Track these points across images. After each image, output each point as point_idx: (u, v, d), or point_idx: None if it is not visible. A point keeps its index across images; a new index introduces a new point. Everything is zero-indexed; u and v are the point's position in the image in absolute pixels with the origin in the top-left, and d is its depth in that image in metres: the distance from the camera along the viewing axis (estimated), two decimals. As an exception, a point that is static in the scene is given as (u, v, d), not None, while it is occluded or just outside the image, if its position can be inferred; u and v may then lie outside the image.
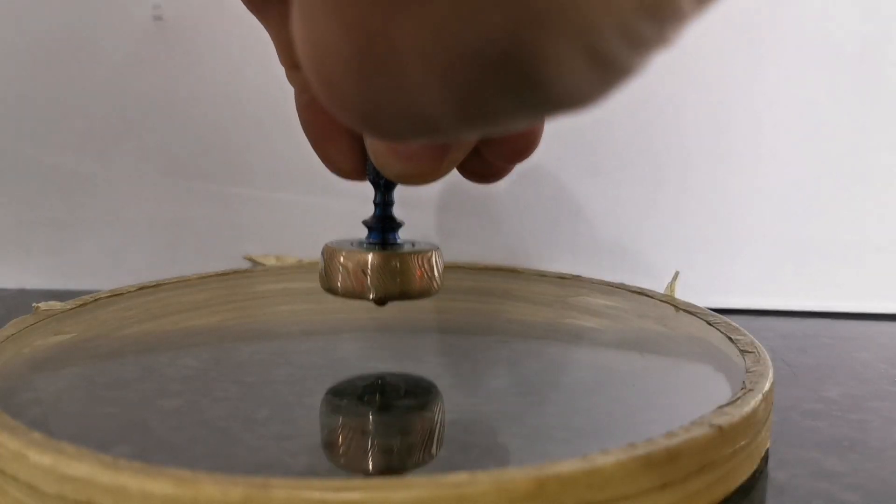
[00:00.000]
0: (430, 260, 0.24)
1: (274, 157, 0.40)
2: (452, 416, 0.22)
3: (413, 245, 0.25)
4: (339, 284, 0.24)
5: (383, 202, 0.25)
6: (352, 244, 0.25)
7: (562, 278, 0.35)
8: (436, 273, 0.24)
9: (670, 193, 0.39)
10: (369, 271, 0.23)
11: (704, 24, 0.41)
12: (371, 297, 0.24)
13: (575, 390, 0.24)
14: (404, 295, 0.24)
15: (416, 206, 0.40)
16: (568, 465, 0.16)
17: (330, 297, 0.24)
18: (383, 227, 0.25)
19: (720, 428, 0.18)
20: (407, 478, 0.16)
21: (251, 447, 0.20)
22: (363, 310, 0.28)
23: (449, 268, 0.37)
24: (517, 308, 0.32)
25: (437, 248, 0.25)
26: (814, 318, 0.38)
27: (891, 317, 0.38)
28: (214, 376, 0.25)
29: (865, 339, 0.34)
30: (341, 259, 0.24)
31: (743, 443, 0.19)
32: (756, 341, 0.25)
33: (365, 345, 0.28)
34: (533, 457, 0.19)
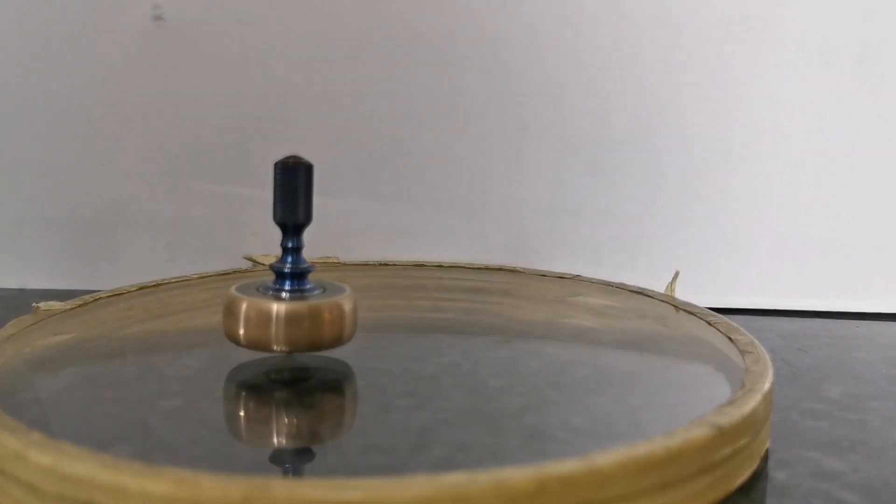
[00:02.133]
0: (340, 306, 0.23)
1: (274, 157, 0.40)
2: (452, 416, 0.22)
3: (324, 290, 0.24)
4: (240, 334, 0.23)
5: (293, 246, 0.24)
6: (258, 289, 0.23)
7: (562, 278, 0.35)
8: (346, 320, 0.23)
9: (670, 193, 0.39)
10: (274, 321, 0.22)
11: (705, 24, 0.41)
12: (276, 348, 0.22)
13: (575, 390, 0.24)
14: (314, 346, 0.23)
15: (416, 206, 0.40)
16: (568, 465, 0.16)
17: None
18: (291, 272, 0.23)
19: (720, 428, 0.18)
20: (407, 478, 0.16)
21: (251, 447, 0.20)
22: (363, 310, 0.28)
23: (449, 268, 0.38)
24: (517, 308, 0.32)
25: (348, 293, 0.24)
26: (814, 318, 0.38)
27: (891, 317, 0.38)
28: (214, 376, 0.25)
29: (865, 339, 0.34)
30: (244, 307, 0.22)
31: (743, 443, 0.19)
32: (756, 341, 0.25)
33: (364, 345, 0.28)
34: (533, 457, 0.19)
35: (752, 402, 0.20)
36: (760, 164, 0.39)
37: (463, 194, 0.40)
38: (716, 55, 0.38)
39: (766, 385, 0.21)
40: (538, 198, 0.40)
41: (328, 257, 0.38)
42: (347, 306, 0.23)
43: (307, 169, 0.23)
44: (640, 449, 0.17)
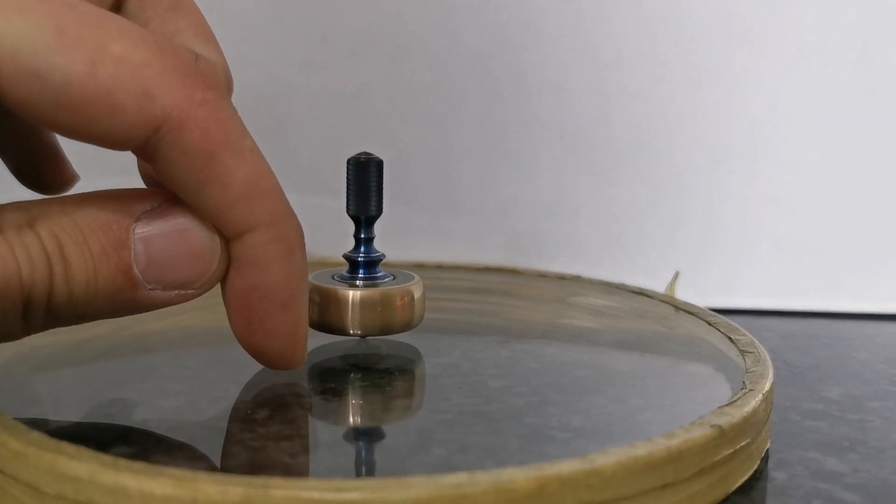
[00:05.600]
0: (410, 293, 0.25)
1: (273, 157, 0.40)
2: (452, 416, 0.22)
3: (394, 278, 0.26)
4: (319, 319, 0.24)
5: (365, 237, 0.25)
6: (333, 278, 0.25)
7: (562, 278, 0.35)
8: (416, 306, 0.25)
9: (670, 193, 0.39)
10: (350, 307, 0.24)
11: (705, 24, 0.41)
12: (352, 332, 0.24)
13: (575, 390, 0.24)
14: (386, 330, 0.25)
15: (416, 206, 0.40)
16: (568, 465, 0.16)
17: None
18: (365, 261, 0.25)
19: (720, 428, 0.18)
20: (406, 478, 0.16)
21: (251, 447, 0.20)
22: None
23: (449, 268, 0.38)
24: (517, 308, 0.32)
25: (417, 280, 0.25)
26: (814, 318, 0.38)
27: (891, 317, 0.38)
28: (214, 376, 0.25)
29: (865, 339, 0.34)
30: (323, 295, 0.24)
31: (743, 443, 0.19)
32: (756, 341, 0.25)
33: (364, 344, 0.28)
34: (533, 457, 0.19)
35: (752, 403, 0.20)
36: (760, 164, 0.39)
37: (463, 194, 0.40)
38: (716, 55, 0.38)
39: (767, 385, 0.21)
40: (538, 198, 0.40)
41: (329, 257, 0.38)
42: (416, 292, 0.25)
43: (378, 164, 0.25)
44: (640, 449, 0.17)
